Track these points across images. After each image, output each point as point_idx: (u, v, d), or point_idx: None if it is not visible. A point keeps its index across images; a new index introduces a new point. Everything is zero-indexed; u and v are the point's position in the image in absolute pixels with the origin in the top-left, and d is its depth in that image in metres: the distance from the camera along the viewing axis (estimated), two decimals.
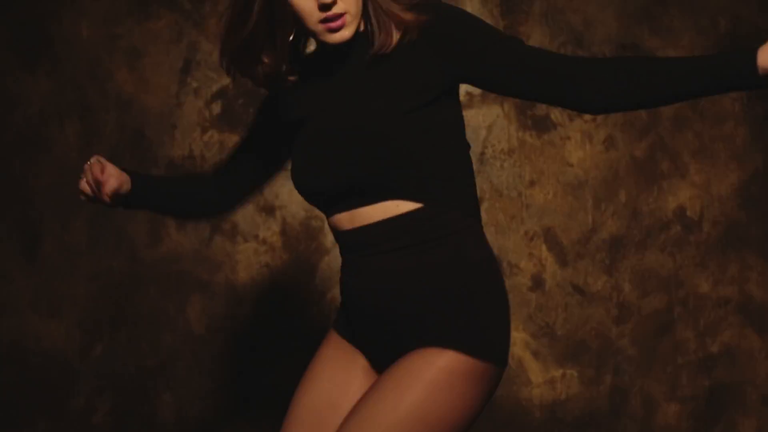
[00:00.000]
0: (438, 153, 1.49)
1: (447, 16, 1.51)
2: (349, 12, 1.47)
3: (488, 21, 2.72)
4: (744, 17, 2.81)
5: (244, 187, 1.76)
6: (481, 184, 2.75)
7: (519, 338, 2.75)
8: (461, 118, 1.57)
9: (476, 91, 2.74)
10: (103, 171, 1.59)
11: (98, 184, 1.58)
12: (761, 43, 1.36)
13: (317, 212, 2.64)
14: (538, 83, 1.47)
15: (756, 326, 2.78)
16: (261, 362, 2.75)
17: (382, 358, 1.52)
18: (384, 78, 1.50)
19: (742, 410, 2.76)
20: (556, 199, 2.77)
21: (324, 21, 1.46)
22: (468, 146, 1.58)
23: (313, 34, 1.50)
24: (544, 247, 2.76)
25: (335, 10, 1.46)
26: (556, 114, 2.77)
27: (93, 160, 1.61)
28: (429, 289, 1.46)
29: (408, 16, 1.49)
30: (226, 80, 2.76)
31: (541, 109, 2.76)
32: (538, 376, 2.75)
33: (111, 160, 2.73)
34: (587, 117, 2.77)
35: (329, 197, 1.54)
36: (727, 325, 2.78)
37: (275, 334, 2.74)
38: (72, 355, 2.74)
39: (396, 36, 1.51)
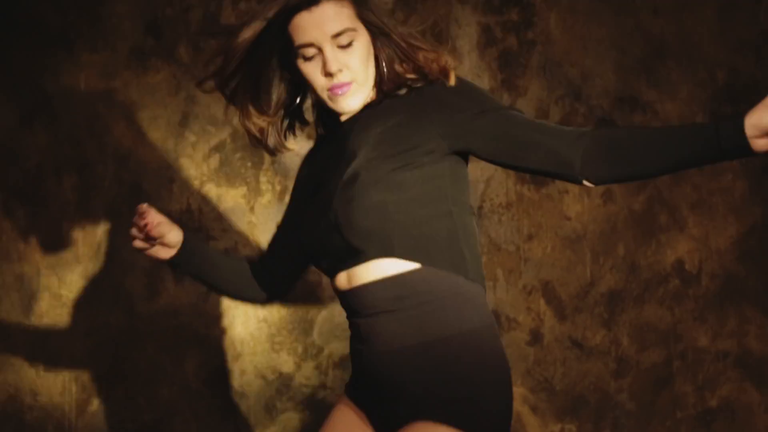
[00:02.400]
0: (435, 214, 1.50)
1: (453, 86, 1.54)
2: (356, 81, 1.53)
3: (486, 74, 2.75)
4: (741, 69, 2.82)
5: (292, 267, 1.77)
6: (479, 238, 2.75)
7: (517, 393, 2.74)
8: (464, 181, 1.58)
9: None
10: (146, 215, 1.65)
11: (145, 230, 1.67)
12: (758, 95, 1.34)
13: (313, 268, 2.64)
14: (528, 154, 1.48)
15: (755, 380, 2.78)
16: (258, 417, 2.74)
17: (384, 425, 1.54)
18: (378, 138, 1.53)
19: None
20: (554, 252, 2.77)
21: (331, 89, 1.53)
22: (471, 210, 1.59)
23: (324, 102, 1.57)
24: (542, 301, 2.77)
25: (341, 78, 1.52)
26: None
27: (142, 207, 1.66)
28: (426, 361, 1.47)
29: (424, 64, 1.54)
30: (223, 134, 2.77)
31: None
32: (536, 431, 2.75)
33: (108, 213, 2.75)
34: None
35: (325, 257, 1.56)
36: (725, 379, 2.78)
37: (273, 389, 2.74)
38: (69, 411, 2.74)
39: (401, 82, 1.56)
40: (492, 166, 2.74)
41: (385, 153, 1.50)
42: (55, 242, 2.75)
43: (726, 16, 2.82)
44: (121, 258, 2.75)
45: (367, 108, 1.58)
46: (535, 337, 2.76)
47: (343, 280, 1.55)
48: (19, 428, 2.74)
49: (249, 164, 2.77)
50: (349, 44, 1.53)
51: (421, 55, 1.55)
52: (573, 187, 2.77)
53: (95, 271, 2.74)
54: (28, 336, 2.74)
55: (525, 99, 2.79)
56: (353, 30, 1.53)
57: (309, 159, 1.74)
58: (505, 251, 2.77)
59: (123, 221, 2.75)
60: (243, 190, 2.76)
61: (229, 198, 2.76)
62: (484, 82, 2.77)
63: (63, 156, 2.76)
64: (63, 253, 2.75)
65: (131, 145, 2.77)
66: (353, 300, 1.54)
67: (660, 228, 2.79)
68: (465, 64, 2.77)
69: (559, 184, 2.77)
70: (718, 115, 2.80)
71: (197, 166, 2.77)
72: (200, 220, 2.75)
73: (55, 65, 2.76)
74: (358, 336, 1.56)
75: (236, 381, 2.75)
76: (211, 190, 2.77)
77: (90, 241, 2.75)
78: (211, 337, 2.75)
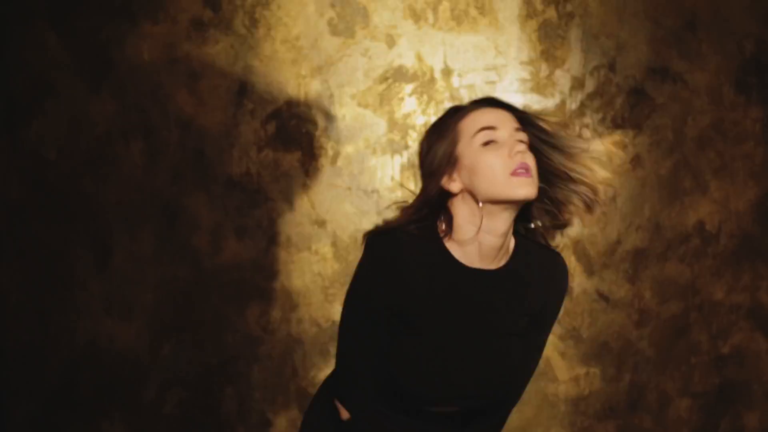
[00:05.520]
0: None
1: (562, 281, 1.74)
2: (532, 169, 1.58)
3: (526, 45, 2.90)
4: None
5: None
6: None
7: (548, 340, 3.01)
8: None
9: None
10: None
11: None
12: None
13: (364, 225, 2.87)
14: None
15: (764, 330, 3.05)
16: (313, 360, 3.02)
17: None
18: (523, 315, 1.68)
19: (748, 405, 3.06)
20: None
21: (516, 169, 1.55)
22: None
23: (496, 196, 1.56)
24: (572, 258, 3.00)
25: (527, 159, 1.56)
26: (587, 135, 2.96)
27: None
28: None
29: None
30: (279, 102, 2.95)
31: (573, 130, 2.95)
32: (564, 373, 3.03)
33: (174, 176, 2.96)
34: (617, 138, 2.95)
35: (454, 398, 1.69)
36: (737, 329, 3.05)
37: (327, 335, 3.01)
38: (142, 354, 3.01)
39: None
40: None
41: (523, 325, 1.70)
42: (126, 203, 2.96)
43: None
44: (187, 217, 2.97)
45: (504, 273, 1.63)
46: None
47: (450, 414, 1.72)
48: (98, 370, 3.02)
49: (303, 130, 2.96)
50: (526, 143, 1.60)
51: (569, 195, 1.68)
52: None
53: (163, 229, 2.97)
54: (104, 288, 2.99)
55: (562, 70, 2.95)
56: (525, 141, 1.61)
57: (414, 278, 1.61)
58: None
59: (188, 183, 2.97)
60: (298, 154, 2.95)
61: (285, 162, 2.96)
62: (524, 54, 2.93)
63: (130, 123, 2.94)
64: (133, 212, 2.96)
65: (193, 112, 2.94)
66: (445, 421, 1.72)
67: (684, 191, 3.00)
68: (506, 36, 2.92)
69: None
70: (744, 85, 2.97)
71: (255, 132, 2.95)
72: (258, 183, 2.96)
73: (119, 37, 2.91)
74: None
75: (293, 328, 3.02)
76: (269, 155, 2.96)
77: (157, 202, 2.96)
78: (270, 289, 3.00)
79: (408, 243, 1.60)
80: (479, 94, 2.93)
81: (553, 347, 3.02)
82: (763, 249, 3.03)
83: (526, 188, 1.55)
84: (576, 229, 2.97)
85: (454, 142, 1.60)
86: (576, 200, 1.65)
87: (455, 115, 1.64)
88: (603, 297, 3.02)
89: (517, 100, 2.92)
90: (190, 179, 2.96)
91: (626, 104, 2.96)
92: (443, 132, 1.62)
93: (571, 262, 3.00)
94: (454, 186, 1.61)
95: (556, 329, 3.01)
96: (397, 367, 1.64)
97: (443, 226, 1.63)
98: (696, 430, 3.05)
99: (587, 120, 2.95)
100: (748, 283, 3.03)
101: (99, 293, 3.00)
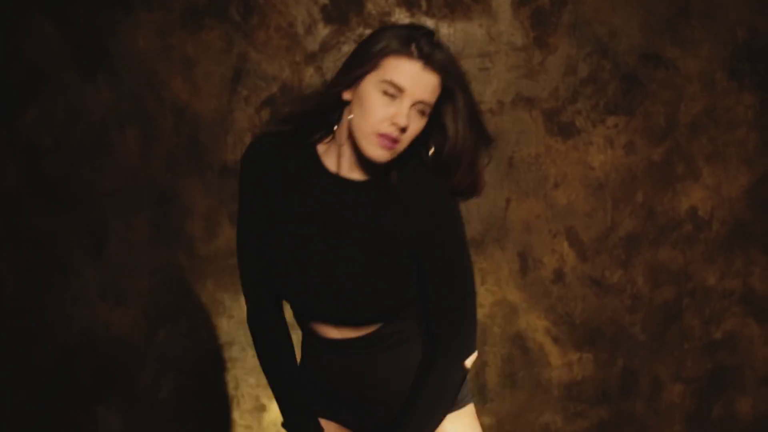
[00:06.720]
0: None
1: (437, 211, 1.64)
2: (401, 145, 1.57)
3: (519, 32, 2.91)
4: (761, 29, 2.98)
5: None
6: (510, 186, 2.99)
7: (541, 326, 3.04)
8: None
9: (506, 98, 2.95)
10: None
11: None
12: None
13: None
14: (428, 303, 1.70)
15: (756, 316, 3.06)
16: None
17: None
18: (376, 233, 1.64)
19: (741, 390, 3.07)
20: (578, 199, 3.00)
21: (383, 135, 1.55)
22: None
23: (359, 138, 1.57)
24: (565, 244, 3.02)
25: (397, 136, 1.54)
26: (581, 120, 2.98)
27: None
28: (403, 380, 1.75)
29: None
30: (273, 88, 2.96)
31: (566, 116, 2.97)
32: (557, 359, 3.05)
33: (169, 163, 2.97)
34: (609, 123, 2.97)
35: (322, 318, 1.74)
36: (730, 315, 3.06)
37: None
38: (138, 340, 3.03)
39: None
40: (523, 119, 2.96)
41: (381, 247, 1.65)
42: (121, 190, 2.98)
43: None
44: (182, 203, 2.98)
45: (368, 187, 1.64)
46: (559, 276, 3.03)
47: (329, 332, 1.75)
48: (94, 356, 3.04)
49: None
50: (422, 116, 1.58)
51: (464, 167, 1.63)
52: (598, 139, 2.99)
53: (158, 216, 2.98)
54: (100, 275, 3.01)
55: (555, 56, 2.96)
56: (430, 106, 1.58)
57: (273, 177, 1.69)
58: (533, 198, 3.00)
59: (182, 170, 2.98)
60: None
61: None
62: (517, 40, 2.94)
63: (125, 110, 2.96)
64: (129, 199, 2.98)
65: (188, 99, 2.96)
66: (337, 346, 1.76)
67: (677, 177, 3.01)
68: (499, 23, 2.93)
69: (585, 137, 2.98)
70: (737, 72, 2.98)
71: (249, 118, 2.97)
72: None
73: (114, 25, 2.92)
74: (336, 365, 1.78)
75: (288, 314, 3.03)
76: None
77: (152, 189, 2.98)
78: None
79: (273, 143, 1.69)
80: (473, 81, 2.94)
81: (545, 332, 3.04)
82: (755, 235, 3.04)
83: (377, 152, 1.56)
84: (569, 215, 2.99)
85: (370, 70, 1.57)
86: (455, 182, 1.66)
87: (393, 44, 1.57)
88: (596, 282, 3.03)
89: (511, 87, 2.94)
90: (185, 166, 2.97)
91: (619, 90, 2.97)
92: (371, 55, 1.57)
93: (564, 247, 3.02)
94: (347, 97, 1.62)
95: (550, 315, 3.03)
96: (269, 266, 1.71)
97: (320, 131, 1.67)
98: (688, 416, 3.07)
99: (580, 106, 2.97)
100: (741, 268, 3.05)
101: (94, 280, 3.02)
